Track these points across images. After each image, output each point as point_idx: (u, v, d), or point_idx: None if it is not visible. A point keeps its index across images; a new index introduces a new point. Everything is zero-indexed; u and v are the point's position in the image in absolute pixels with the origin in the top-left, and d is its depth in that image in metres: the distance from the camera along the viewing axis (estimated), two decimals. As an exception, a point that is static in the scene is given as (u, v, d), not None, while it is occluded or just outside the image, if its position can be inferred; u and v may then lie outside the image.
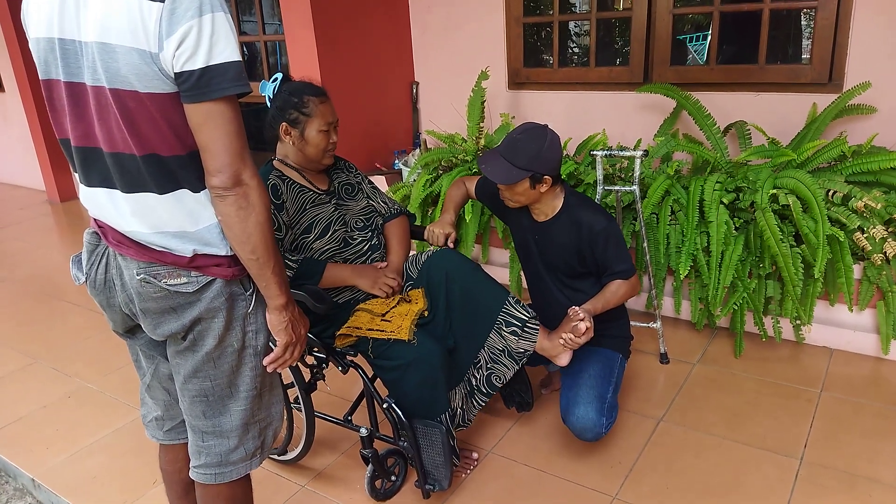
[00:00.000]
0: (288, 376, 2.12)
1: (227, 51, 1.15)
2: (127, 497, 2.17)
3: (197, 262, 1.28)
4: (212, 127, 1.16)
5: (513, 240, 2.34)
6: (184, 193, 1.25)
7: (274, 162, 2.07)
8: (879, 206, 2.50)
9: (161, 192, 1.24)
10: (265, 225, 1.24)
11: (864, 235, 2.52)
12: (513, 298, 2.03)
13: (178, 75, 1.14)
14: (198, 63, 1.13)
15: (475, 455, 2.21)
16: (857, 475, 2.05)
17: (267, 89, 2.00)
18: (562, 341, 1.99)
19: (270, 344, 1.42)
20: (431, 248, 2.20)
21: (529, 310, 2.04)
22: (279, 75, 2.03)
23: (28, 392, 2.84)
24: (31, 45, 1.27)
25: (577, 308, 2.00)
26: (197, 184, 1.24)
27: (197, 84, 1.13)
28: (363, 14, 3.88)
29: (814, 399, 2.45)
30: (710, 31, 3.27)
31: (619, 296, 2.09)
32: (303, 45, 3.67)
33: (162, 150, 1.20)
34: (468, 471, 2.16)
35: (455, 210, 2.33)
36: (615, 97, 3.59)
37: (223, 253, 1.30)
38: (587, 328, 1.95)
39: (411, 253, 2.26)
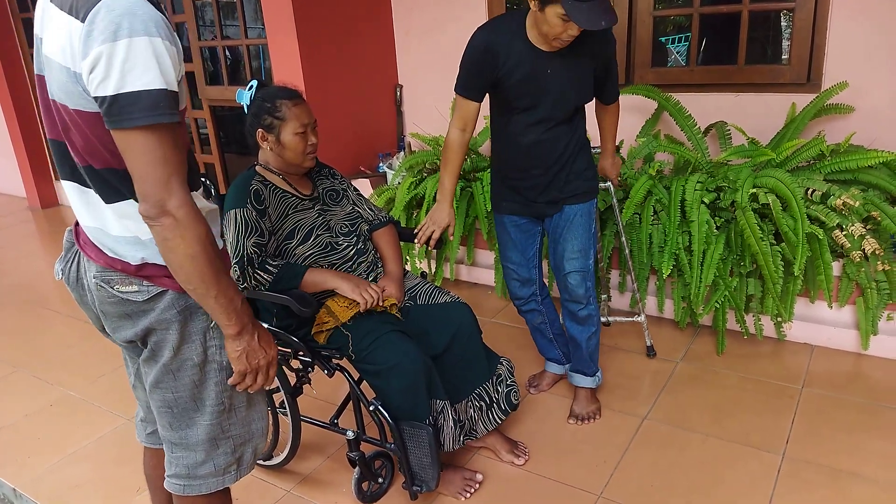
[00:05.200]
0: (273, 381, 2.11)
1: (144, 78, 1.07)
2: (111, 505, 2.16)
3: (146, 272, 1.26)
4: (131, 155, 1.11)
5: (509, 89, 2.20)
6: (130, 203, 1.22)
7: (256, 167, 2.07)
8: (857, 203, 2.54)
9: (108, 202, 1.24)
10: (199, 258, 1.15)
11: (843, 233, 2.55)
12: (496, 377, 2.15)
13: (95, 98, 1.10)
14: (108, 90, 1.07)
15: (479, 476, 2.12)
16: (838, 469, 2.08)
17: (243, 97, 2.02)
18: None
19: None
20: (448, 297, 2.18)
21: (501, 391, 2.16)
22: (254, 82, 2.04)
23: (10, 401, 2.81)
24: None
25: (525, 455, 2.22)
26: None
27: (109, 111, 1.09)
28: (346, 17, 3.88)
29: (795, 395, 2.48)
30: (690, 33, 3.31)
31: None
32: (285, 49, 3.67)
33: (95, 163, 1.20)
34: (470, 492, 2.08)
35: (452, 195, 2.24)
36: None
37: None
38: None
39: (421, 280, 2.27)
